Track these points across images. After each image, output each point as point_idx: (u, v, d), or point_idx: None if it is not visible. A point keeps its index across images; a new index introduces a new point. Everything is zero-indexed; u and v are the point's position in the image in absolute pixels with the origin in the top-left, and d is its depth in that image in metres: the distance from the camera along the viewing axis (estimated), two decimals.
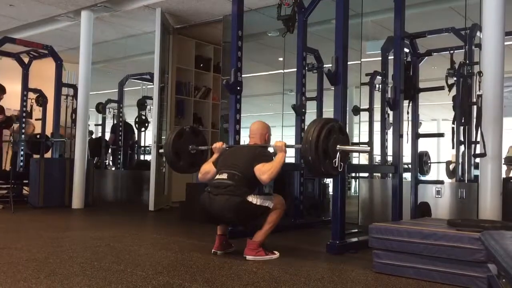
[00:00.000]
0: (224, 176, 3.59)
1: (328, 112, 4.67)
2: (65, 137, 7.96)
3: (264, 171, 3.51)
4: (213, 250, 3.69)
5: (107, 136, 9.85)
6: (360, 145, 6.92)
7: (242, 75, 4.55)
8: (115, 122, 9.56)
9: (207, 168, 3.86)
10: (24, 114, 7.92)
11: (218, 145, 3.96)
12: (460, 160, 5.33)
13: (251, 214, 3.57)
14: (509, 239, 1.78)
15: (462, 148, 5.31)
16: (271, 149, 3.80)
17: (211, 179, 3.77)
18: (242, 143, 4.65)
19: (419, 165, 5.33)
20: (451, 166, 5.43)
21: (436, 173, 14.44)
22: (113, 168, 9.74)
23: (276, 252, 3.63)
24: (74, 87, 8.13)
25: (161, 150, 4.57)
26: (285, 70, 7.56)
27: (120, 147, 9.58)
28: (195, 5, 7.09)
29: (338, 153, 3.32)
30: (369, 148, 3.47)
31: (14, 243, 4.02)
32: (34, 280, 2.73)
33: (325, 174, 3.40)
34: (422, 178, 5.68)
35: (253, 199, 3.53)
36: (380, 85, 6.11)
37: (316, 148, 3.23)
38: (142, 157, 10.00)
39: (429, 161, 6.23)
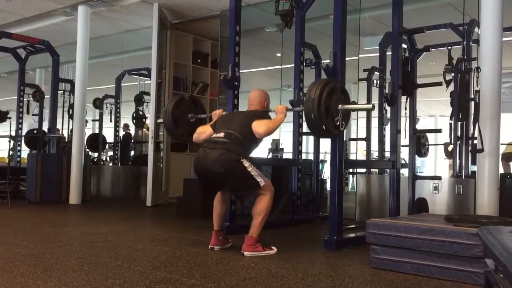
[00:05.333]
0: (221, 134, 3.57)
1: None
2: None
3: (261, 125, 3.53)
4: (210, 246, 3.69)
5: (104, 132, 9.84)
6: (358, 140, 6.97)
7: (240, 71, 4.54)
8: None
9: (203, 128, 3.87)
10: (20, 109, 7.91)
11: (217, 112, 3.98)
12: (457, 156, 5.33)
13: (241, 179, 3.49)
14: (506, 234, 1.78)
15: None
16: (271, 115, 3.78)
17: (205, 139, 3.74)
18: None
19: (417, 147, 5.33)
20: (449, 148, 5.41)
21: (433, 168, 14.50)
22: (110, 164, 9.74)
23: (273, 247, 3.63)
24: (71, 82, 8.12)
25: (160, 120, 4.52)
26: (283, 66, 7.55)
27: (117, 143, 9.56)
28: (192, 0, 7.06)
29: (340, 112, 3.37)
30: (371, 105, 3.49)
31: (11, 239, 4.01)
32: (31, 276, 2.72)
33: (326, 132, 3.41)
34: (419, 173, 5.68)
35: (247, 164, 3.48)
36: (378, 81, 6.11)
37: (318, 105, 3.26)
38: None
39: (427, 143, 6.26)
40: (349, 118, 3.59)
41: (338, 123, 3.39)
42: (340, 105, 3.38)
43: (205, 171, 3.54)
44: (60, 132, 8.52)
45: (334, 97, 3.37)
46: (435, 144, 5.76)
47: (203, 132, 3.83)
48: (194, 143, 4.03)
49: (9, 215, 5.71)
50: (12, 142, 7.24)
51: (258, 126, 3.53)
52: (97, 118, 9.86)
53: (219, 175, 3.47)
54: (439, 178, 5.17)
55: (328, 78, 3.62)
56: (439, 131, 5.22)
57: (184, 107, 4.19)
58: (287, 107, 3.70)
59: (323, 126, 3.33)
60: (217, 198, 3.76)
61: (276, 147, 8.50)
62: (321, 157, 6.61)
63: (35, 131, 8.35)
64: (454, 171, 5.35)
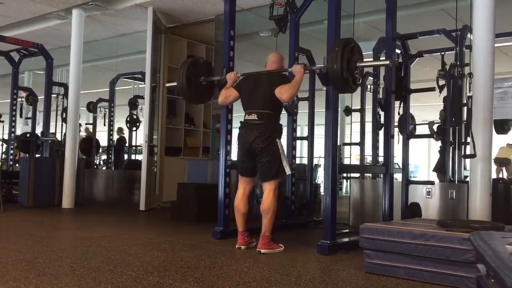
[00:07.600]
0: (254, 116, 3.91)
1: (320, 112, 4.67)
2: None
3: (283, 92, 3.82)
4: (236, 246, 3.88)
5: (98, 135, 9.81)
6: (352, 145, 6.98)
7: None
8: None
9: (228, 92, 4.12)
10: (13, 113, 7.87)
11: (232, 74, 4.18)
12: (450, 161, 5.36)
13: (272, 159, 3.83)
14: (498, 239, 1.79)
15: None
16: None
17: (232, 102, 4.24)
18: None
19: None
20: (435, 127, 5.44)
21: (426, 174, 14.54)
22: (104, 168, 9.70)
23: (281, 244, 3.88)
24: (65, 86, 8.10)
25: (171, 84, 4.68)
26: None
27: (111, 147, 9.54)
28: (187, 4, 7.07)
29: (358, 70, 3.60)
30: (388, 61, 3.70)
31: (3, 243, 3.98)
32: (23, 280, 2.70)
33: (345, 84, 3.58)
34: (413, 178, 5.68)
35: (280, 146, 3.88)
36: (372, 86, 6.13)
37: (342, 56, 3.47)
38: (133, 157, 9.97)
39: (414, 123, 6.37)
40: (366, 78, 3.73)
41: (357, 75, 3.57)
42: (358, 63, 3.58)
43: (247, 148, 3.89)
44: (54, 136, 8.49)
45: (355, 54, 3.59)
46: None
47: (229, 95, 4.12)
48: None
49: (1, 219, 5.67)
50: (4, 145, 7.21)
51: (281, 93, 3.82)
52: (91, 121, 9.83)
53: (258, 151, 3.84)
54: (432, 183, 5.20)
55: (349, 38, 3.83)
56: (431, 136, 5.24)
57: (198, 69, 4.38)
58: (304, 67, 3.91)
59: (343, 78, 3.50)
60: (238, 198, 3.99)
61: None
62: (315, 161, 6.62)
63: (28, 135, 8.32)
64: (446, 176, 5.38)
